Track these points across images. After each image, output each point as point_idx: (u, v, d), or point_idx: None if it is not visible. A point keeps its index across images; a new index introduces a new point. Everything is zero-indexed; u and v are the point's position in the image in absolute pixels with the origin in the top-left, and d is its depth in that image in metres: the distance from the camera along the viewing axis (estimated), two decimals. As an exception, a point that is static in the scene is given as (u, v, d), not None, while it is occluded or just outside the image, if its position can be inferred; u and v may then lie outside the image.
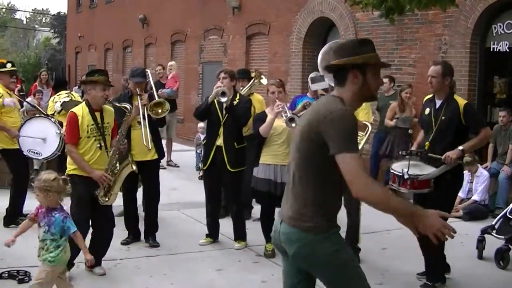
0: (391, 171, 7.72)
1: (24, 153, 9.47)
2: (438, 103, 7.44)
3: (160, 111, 8.69)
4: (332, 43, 9.95)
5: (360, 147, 7.94)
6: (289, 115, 8.06)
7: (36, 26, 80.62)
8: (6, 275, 7.45)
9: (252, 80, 10.88)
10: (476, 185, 11.39)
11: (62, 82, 13.83)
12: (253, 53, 19.99)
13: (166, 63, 18.63)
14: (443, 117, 7.33)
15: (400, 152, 8.16)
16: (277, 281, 7.44)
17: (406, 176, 7.30)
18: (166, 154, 16.32)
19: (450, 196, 7.52)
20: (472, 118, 7.33)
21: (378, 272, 7.89)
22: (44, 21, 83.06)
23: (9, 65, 10.08)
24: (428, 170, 7.31)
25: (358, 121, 7.99)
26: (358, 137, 7.98)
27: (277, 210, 8.50)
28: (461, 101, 7.39)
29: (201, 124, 15.18)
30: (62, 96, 11.79)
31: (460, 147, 7.13)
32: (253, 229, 9.30)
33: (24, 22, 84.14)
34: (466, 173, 11.45)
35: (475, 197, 11.27)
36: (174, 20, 24.80)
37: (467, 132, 7.42)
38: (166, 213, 10.37)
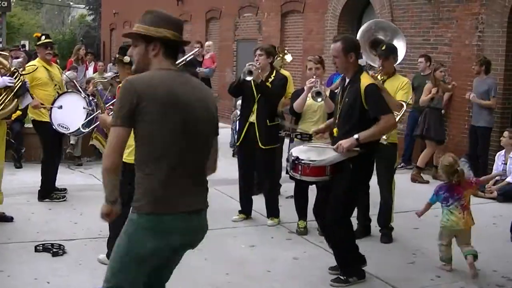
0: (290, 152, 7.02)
1: (54, 127, 9.44)
2: (347, 82, 6.69)
3: None
4: (372, 22, 9.92)
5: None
6: (317, 89, 8.01)
7: (71, 3, 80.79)
8: (41, 248, 7.54)
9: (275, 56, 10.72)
10: (510, 166, 11.26)
11: None
12: (288, 31, 19.93)
13: (200, 41, 18.67)
14: (346, 99, 6.56)
15: (280, 133, 7.74)
16: (309, 258, 7.52)
17: (292, 159, 6.73)
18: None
19: (351, 187, 6.57)
20: (372, 102, 6.39)
21: (410, 251, 7.90)
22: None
23: (43, 37, 10.13)
24: (326, 156, 6.61)
25: (394, 100, 7.97)
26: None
27: (310, 187, 8.58)
28: (365, 81, 6.48)
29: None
30: None
31: (356, 136, 6.31)
32: (286, 206, 9.34)
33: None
34: (501, 154, 11.40)
35: (510, 178, 11.13)
36: (209, -3, 24.80)
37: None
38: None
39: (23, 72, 9.04)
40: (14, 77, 8.50)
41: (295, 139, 8.32)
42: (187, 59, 9.25)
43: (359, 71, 6.64)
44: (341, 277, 6.74)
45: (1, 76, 8.52)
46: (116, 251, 4.13)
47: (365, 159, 6.52)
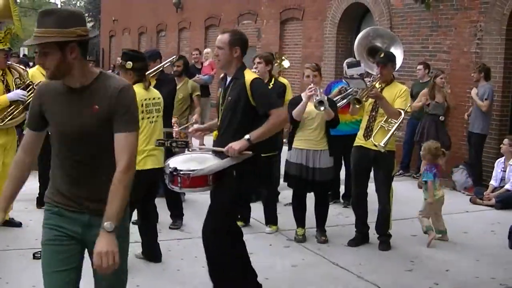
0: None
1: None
2: (228, 80, 6.24)
3: None
4: (370, 29, 9.94)
5: (390, 133, 7.89)
6: (319, 98, 7.99)
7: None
8: (39, 255, 7.53)
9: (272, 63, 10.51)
10: (509, 174, 11.24)
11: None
12: (287, 38, 19.95)
13: (200, 48, 18.70)
14: (229, 98, 6.10)
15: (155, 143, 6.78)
16: (308, 265, 7.51)
17: (169, 171, 6.03)
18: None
19: (236, 195, 6.08)
20: (259, 97, 5.98)
21: (408, 259, 7.89)
22: (78, 5, 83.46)
23: None
24: (209, 164, 6.04)
25: (392, 108, 7.97)
26: (391, 124, 7.96)
27: (308, 195, 8.57)
28: (250, 76, 6.08)
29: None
30: None
31: (247, 136, 5.83)
32: (284, 213, 9.33)
33: (59, 6, 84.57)
34: (500, 161, 11.40)
35: (508, 186, 11.11)
36: (208, 4, 24.82)
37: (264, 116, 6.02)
38: (198, 196, 10.39)
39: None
40: (27, 89, 8.61)
41: (173, 149, 7.91)
42: (166, 65, 9.24)
43: (242, 67, 6.19)
44: None
45: (16, 89, 8.62)
46: None
47: (250, 164, 6.01)
